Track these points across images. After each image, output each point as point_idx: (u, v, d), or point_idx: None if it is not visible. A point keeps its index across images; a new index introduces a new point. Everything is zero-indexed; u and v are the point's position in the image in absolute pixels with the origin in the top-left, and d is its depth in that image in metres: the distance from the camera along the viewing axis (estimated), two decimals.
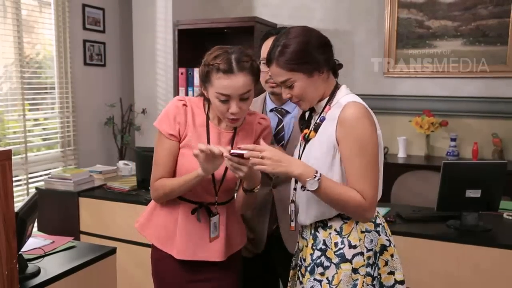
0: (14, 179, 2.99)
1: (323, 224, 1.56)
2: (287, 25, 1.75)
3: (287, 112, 1.92)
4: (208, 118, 1.71)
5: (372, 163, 1.48)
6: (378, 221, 1.56)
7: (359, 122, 1.47)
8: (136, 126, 4.22)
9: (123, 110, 4.24)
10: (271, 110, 1.95)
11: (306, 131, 1.62)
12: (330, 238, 1.54)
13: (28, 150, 3.54)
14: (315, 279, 1.52)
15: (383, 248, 1.54)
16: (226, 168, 1.63)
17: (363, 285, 1.48)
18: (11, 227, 1.44)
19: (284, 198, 1.78)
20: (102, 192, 3.10)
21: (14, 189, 2.74)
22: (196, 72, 3.70)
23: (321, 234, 1.55)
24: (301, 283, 1.60)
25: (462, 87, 3.76)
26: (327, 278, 1.50)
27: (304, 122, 1.67)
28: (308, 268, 1.55)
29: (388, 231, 1.60)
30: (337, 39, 3.81)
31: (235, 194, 1.81)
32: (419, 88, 3.88)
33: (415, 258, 2.23)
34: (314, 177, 1.43)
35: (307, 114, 1.68)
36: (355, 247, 1.50)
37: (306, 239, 1.61)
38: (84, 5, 3.95)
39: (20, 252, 1.76)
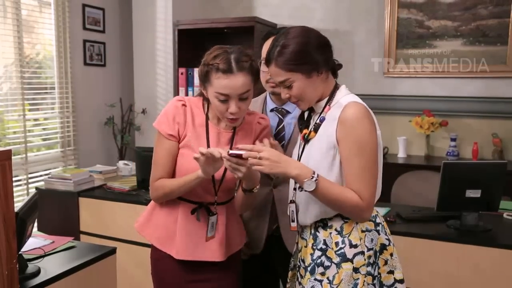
0: (14, 179, 2.99)
1: (323, 224, 1.56)
2: (287, 25, 1.75)
3: (288, 112, 1.92)
4: (207, 118, 1.71)
5: (371, 163, 1.48)
6: (378, 220, 1.57)
7: (359, 123, 1.47)
8: (136, 126, 4.23)
9: (123, 110, 4.24)
10: (272, 110, 1.95)
11: (305, 131, 1.62)
12: (331, 237, 1.54)
13: (28, 150, 3.54)
14: (315, 279, 1.52)
15: (383, 247, 1.55)
16: (226, 168, 1.63)
17: (364, 285, 1.48)
18: (11, 227, 1.44)
19: (284, 198, 1.78)
20: (102, 192, 3.10)
21: (14, 189, 2.74)
22: (196, 72, 3.70)
23: (322, 234, 1.55)
24: (300, 283, 1.60)
25: (462, 87, 3.76)
26: (327, 278, 1.51)
27: (303, 122, 1.67)
28: (309, 268, 1.55)
29: (388, 230, 1.60)
30: (337, 39, 3.84)
31: (235, 194, 1.81)
32: (419, 88, 3.88)
33: (415, 258, 2.23)
34: (312, 178, 1.44)
35: (306, 114, 1.68)
36: (356, 246, 1.50)
37: (306, 239, 1.61)
38: (84, 5, 3.95)
39: (20, 252, 1.76)
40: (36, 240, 2.12)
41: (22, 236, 1.72)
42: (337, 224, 1.54)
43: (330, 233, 1.54)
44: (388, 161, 3.63)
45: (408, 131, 3.85)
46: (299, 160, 1.59)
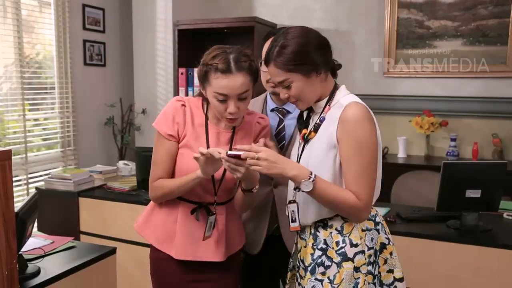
0: (14, 179, 2.99)
1: (323, 223, 1.56)
2: (287, 26, 1.75)
3: (288, 112, 1.92)
4: (207, 118, 1.71)
5: (370, 164, 1.48)
6: (377, 219, 1.57)
7: (360, 123, 1.47)
8: (136, 126, 4.22)
9: (123, 110, 4.24)
10: (272, 110, 1.95)
11: (305, 131, 1.62)
12: (331, 237, 1.54)
13: (28, 150, 3.54)
14: (316, 279, 1.52)
15: (383, 246, 1.55)
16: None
17: (364, 284, 1.48)
18: (11, 227, 1.44)
19: (285, 197, 1.77)
20: (102, 192, 3.10)
21: (14, 189, 2.74)
22: (196, 72, 3.71)
23: (322, 234, 1.55)
24: (300, 284, 1.60)
25: (462, 87, 3.76)
26: (328, 278, 1.51)
27: (302, 122, 1.67)
28: (309, 268, 1.55)
29: (387, 229, 1.60)
30: (337, 39, 3.85)
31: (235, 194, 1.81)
32: (419, 88, 3.88)
33: (415, 258, 2.23)
34: (309, 179, 1.44)
35: (305, 114, 1.68)
36: (356, 245, 1.50)
37: (305, 240, 1.61)
38: (84, 5, 3.95)
39: (20, 252, 1.76)
40: (36, 240, 2.12)
41: (22, 236, 1.72)
42: (337, 223, 1.54)
43: (331, 232, 1.54)
44: (388, 161, 3.63)
45: (408, 131, 3.85)
46: (299, 160, 1.59)
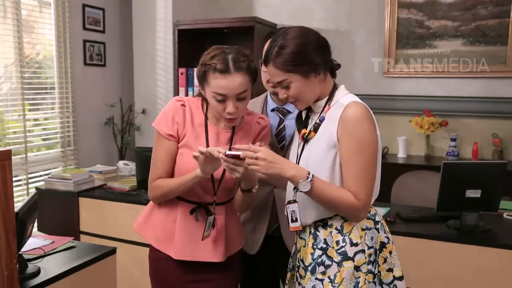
0: (14, 179, 2.99)
1: (323, 223, 1.56)
2: (287, 26, 1.75)
3: (289, 112, 1.92)
4: (206, 118, 1.71)
5: (369, 163, 1.48)
6: (377, 218, 1.57)
7: (360, 123, 1.47)
8: (136, 126, 4.22)
9: (123, 110, 4.24)
10: (273, 110, 1.95)
11: (304, 131, 1.62)
12: (331, 236, 1.54)
13: (28, 150, 3.54)
14: (316, 279, 1.52)
15: (382, 245, 1.55)
16: None
17: (365, 283, 1.48)
18: (11, 227, 1.44)
19: (285, 197, 1.77)
20: (102, 192, 3.10)
21: (14, 189, 2.74)
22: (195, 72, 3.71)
23: (322, 233, 1.55)
24: (300, 284, 1.60)
25: (462, 87, 3.76)
26: (328, 277, 1.51)
27: (301, 122, 1.67)
28: (309, 268, 1.55)
29: (386, 228, 1.60)
30: (337, 39, 3.85)
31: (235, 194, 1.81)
32: (419, 88, 3.88)
33: (415, 258, 2.23)
34: (307, 179, 1.44)
35: (303, 114, 1.67)
36: (356, 244, 1.51)
37: (305, 239, 1.61)
38: (84, 5, 3.95)
39: (20, 252, 1.76)
40: (36, 240, 2.12)
41: (22, 236, 1.72)
42: (337, 223, 1.54)
43: (331, 232, 1.54)
44: (388, 161, 3.64)
45: (408, 131, 3.85)
46: (299, 160, 1.59)
